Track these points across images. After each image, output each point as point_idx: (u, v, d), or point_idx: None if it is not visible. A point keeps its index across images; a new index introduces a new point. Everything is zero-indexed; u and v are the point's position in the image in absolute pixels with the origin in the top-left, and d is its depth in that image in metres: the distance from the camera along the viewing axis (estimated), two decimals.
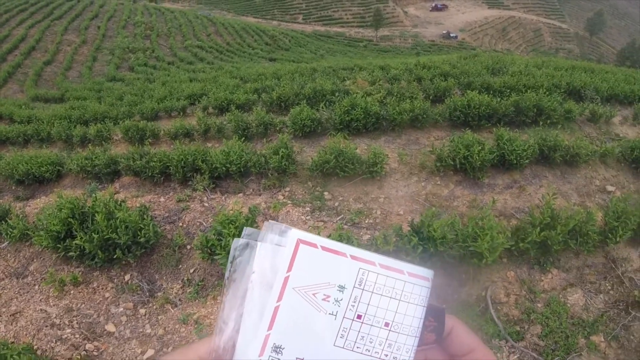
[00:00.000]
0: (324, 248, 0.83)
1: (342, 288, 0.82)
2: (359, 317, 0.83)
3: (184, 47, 55.63)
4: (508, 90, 11.86)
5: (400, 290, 0.84)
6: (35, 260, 7.10)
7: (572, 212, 6.09)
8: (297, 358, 0.80)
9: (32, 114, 20.61)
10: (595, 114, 11.04)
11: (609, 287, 5.91)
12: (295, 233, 0.82)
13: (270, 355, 0.79)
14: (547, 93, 10.97)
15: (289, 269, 0.80)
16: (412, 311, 0.85)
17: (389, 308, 0.84)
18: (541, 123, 9.93)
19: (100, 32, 56.20)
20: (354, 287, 0.83)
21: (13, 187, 11.54)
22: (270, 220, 0.86)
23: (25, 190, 11.07)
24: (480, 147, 7.81)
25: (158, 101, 17.07)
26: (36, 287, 6.52)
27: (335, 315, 0.81)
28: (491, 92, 11.78)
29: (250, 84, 17.74)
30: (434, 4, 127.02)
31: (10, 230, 7.26)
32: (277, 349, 0.79)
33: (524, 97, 10.37)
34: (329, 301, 0.81)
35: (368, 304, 0.82)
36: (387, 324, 0.84)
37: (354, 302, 0.82)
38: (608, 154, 9.10)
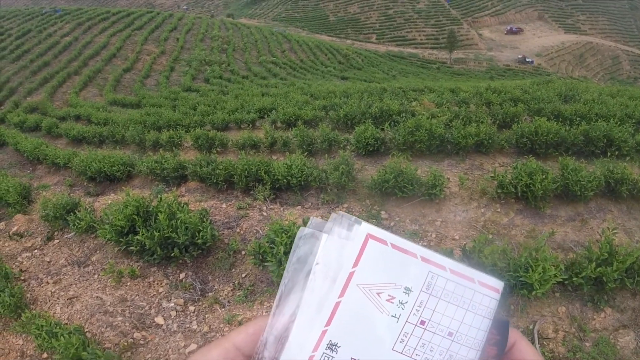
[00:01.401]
0: (394, 246, 0.82)
1: (408, 290, 0.82)
2: (423, 322, 0.82)
3: (258, 62, 56.48)
4: (578, 119, 11.47)
5: (469, 300, 0.83)
6: (98, 251, 7.43)
7: (631, 249, 5.90)
8: (352, 358, 0.81)
9: (108, 116, 21.51)
10: None
11: None
12: (366, 227, 0.82)
13: (324, 352, 0.79)
14: (619, 123, 10.48)
15: (355, 264, 0.81)
16: (479, 323, 0.84)
17: (455, 317, 0.83)
18: (610, 154, 9.48)
19: (178, 44, 57.92)
20: (421, 290, 0.82)
21: (85, 183, 12.02)
22: (339, 211, 0.87)
23: (96, 187, 11.54)
24: (543, 176, 7.58)
25: (229, 113, 17.48)
26: (95, 276, 6.82)
27: (398, 318, 0.81)
28: (561, 119, 11.45)
29: (319, 101, 17.97)
30: (509, 27, 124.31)
31: (78, 222, 7.66)
32: (333, 346, 0.80)
33: (593, 127, 9.98)
34: (393, 302, 0.81)
35: (434, 310, 0.82)
36: (450, 334, 0.83)
37: (419, 306, 0.82)
38: None
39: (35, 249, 7.93)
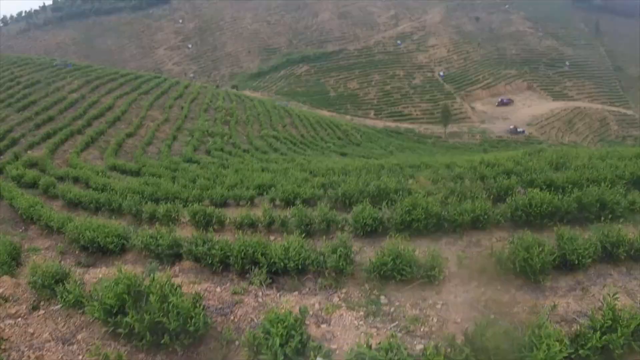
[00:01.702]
0: None
1: None
2: None
3: (260, 135, 57.35)
4: (571, 186, 11.56)
5: None
6: (84, 329, 7.16)
7: (635, 311, 5.78)
8: None
9: (107, 182, 21.65)
10: None
11: None
12: None
13: None
14: (610, 186, 10.67)
15: None
16: None
17: None
18: (603, 218, 9.49)
19: (183, 112, 59.06)
20: None
21: (77, 252, 11.91)
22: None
23: (87, 258, 11.40)
24: (540, 249, 7.60)
25: (228, 188, 17.64)
26: (80, 357, 6.51)
27: None
28: (553, 188, 11.53)
29: (318, 178, 18.15)
30: (500, 99, 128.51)
31: (66, 294, 7.42)
32: None
33: (586, 193, 10.17)
34: None
35: None
36: None
37: None
38: None
39: (19, 317, 7.60)
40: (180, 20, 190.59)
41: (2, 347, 6.68)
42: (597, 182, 11.43)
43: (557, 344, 5.11)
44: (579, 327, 6.08)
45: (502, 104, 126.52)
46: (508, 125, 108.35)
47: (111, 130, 46.43)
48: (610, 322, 5.48)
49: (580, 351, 5.40)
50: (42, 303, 8.05)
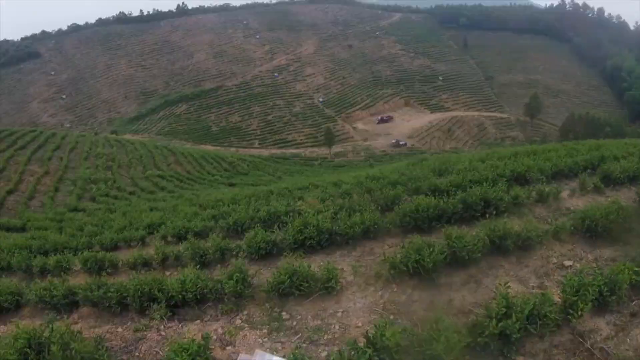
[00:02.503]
0: None
1: None
2: None
3: (144, 176, 56.16)
4: (455, 189, 12.15)
5: None
6: None
7: (527, 297, 6.21)
8: None
9: None
10: (542, 194, 11.42)
11: None
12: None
13: None
14: (492, 184, 11.35)
15: None
16: None
17: None
18: (487, 215, 10.17)
19: (62, 163, 56.53)
20: None
21: None
22: (259, 351, 1.02)
23: None
24: (431, 249, 7.99)
25: (117, 231, 17.15)
26: None
27: None
28: (438, 193, 12.09)
29: (209, 211, 18.03)
30: (379, 117, 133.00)
31: None
32: None
33: (469, 193, 10.75)
34: None
35: None
36: None
37: None
38: (561, 230, 9.33)
39: None
40: (53, 72, 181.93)
41: None
42: (479, 182, 12.09)
43: (455, 335, 5.47)
44: (475, 318, 6.49)
45: (382, 121, 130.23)
46: (390, 140, 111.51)
47: None
48: (505, 309, 5.91)
49: (479, 339, 5.80)
50: None
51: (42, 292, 9.94)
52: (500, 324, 5.73)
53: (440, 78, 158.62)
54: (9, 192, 42.94)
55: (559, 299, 6.57)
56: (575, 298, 6.23)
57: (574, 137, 71.52)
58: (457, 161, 18.71)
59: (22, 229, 28.37)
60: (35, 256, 14.83)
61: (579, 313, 6.14)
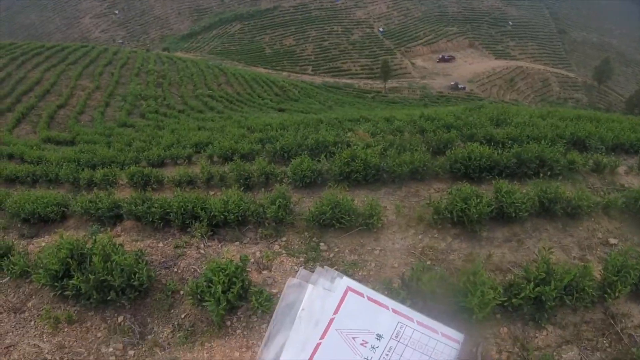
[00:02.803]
0: (369, 298, 0.90)
1: (379, 337, 0.89)
2: None
3: (194, 95, 56.22)
4: (511, 142, 11.77)
5: (432, 348, 0.91)
6: (34, 296, 7.17)
7: (569, 266, 6.03)
8: None
9: (42, 155, 20.90)
10: (599, 164, 10.83)
11: (607, 345, 5.69)
12: (346, 281, 0.90)
13: None
14: (550, 144, 10.81)
15: (336, 311, 0.88)
16: None
17: None
18: (542, 175, 9.74)
19: (113, 78, 57.05)
20: (390, 337, 0.89)
21: (19, 225, 11.64)
22: (325, 266, 0.93)
23: (30, 229, 11.17)
24: (478, 200, 7.71)
25: (165, 148, 17.28)
26: (32, 322, 6.57)
27: None
28: (493, 143, 11.73)
29: (256, 134, 18.00)
30: (441, 56, 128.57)
31: (12, 266, 7.38)
32: None
33: (525, 149, 10.26)
34: (365, 346, 0.88)
35: (401, 356, 0.89)
36: None
37: (389, 351, 0.89)
38: (611, 206, 8.87)
39: None
40: None
41: None
42: (537, 139, 11.61)
43: (491, 291, 5.31)
44: (513, 277, 6.31)
45: (443, 60, 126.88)
46: (449, 81, 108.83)
47: (41, 103, 44.81)
48: (544, 274, 5.69)
49: (513, 300, 5.64)
50: None
51: (88, 204, 10.14)
52: (537, 289, 5.55)
53: (510, 23, 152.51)
54: (60, 107, 43.85)
55: (599, 276, 6.35)
56: (615, 278, 5.94)
57: (639, 112, 68.68)
58: (516, 114, 17.91)
59: (72, 143, 29.00)
60: (83, 169, 15.14)
61: (616, 294, 5.86)
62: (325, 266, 0.80)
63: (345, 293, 0.80)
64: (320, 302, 0.80)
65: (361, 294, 0.79)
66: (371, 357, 0.80)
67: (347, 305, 0.80)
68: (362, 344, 0.80)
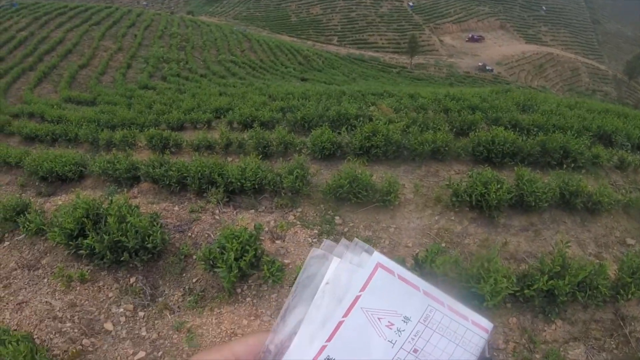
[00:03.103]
0: (400, 277, 0.83)
1: (407, 319, 0.82)
2: (415, 351, 0.83)
3: (217, 60, 55.97)
4: (536, 129, 11.57)
5: (461, 336, 0.84)
6: (48, 254, 7.23)
7: (584, 262, 5.95)
8: None
9: (62, 114, 20.97)
10: (623, 161, 10.61)
11: (614, 346, 5.63)
12: (377, 257, 0.83)
13: None
14: (576, 135, 10.57)
15: (363, 288, 0.81)
16: (466, 358, 0.85)
17: (446, 350, 0.84)
18: (566, 166, 9.59)
19: (136, 40, 56.97)
20: (419, 321, 0.83)
21: (37, 183, 11.74)
22: (355, 238, 0.87)
23: (47, 187, 11.25)
24: (498, 186, 7.58)
25: (185, 112, 17.29)
26: (45, 280, 6.64)
27: (394, 344, 0.82)
28: (518, 129, 11.57)
29: (277, 102, 17.86)
30: (470, 35, 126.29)
31: (28, 224, 7.44)
32: None
33: (550, 138, 10.07)
34: (391, 329, 0.82)
35: (427, 341, 0.83)
36: None
37: (415, 336, 0.82)
38: (632, 205, 8.71)
39: None
40: None
41: None
42: (563, 129, 11.44)
43: (504, 280, 5.25)
44: (527, 268, 6.24)
45: (472, 40, 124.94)
46: (477, 62, 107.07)
47: (63, 63, 44.85)
48: (559, 268, 5.60)
49: (526, 291, 5.56)
50: (6, 235, 8.04)
51: (106, 164, 10.18)
52: (550, 282, 5.47)
53: (544, 8, 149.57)
54: (82, 67, 43.89)
55: (613, 275, 6.25)
56: (629, 280, 5.82)
57: None
58: (543, 101, 17.57)
59: (92, 103, 29.05)
60: (102, 130, 15.20)
61: (628, 296, 5.76)
62: (355, 238, 0.75)
63: (375, 269, 0.75)
64: (346, 276, 0.75)
65: (392, 272, 0.74)
66: (395, 341, 0.75)
67: (376, 283, 0.75)
68: (387, 326, 0.75)
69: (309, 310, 0.82)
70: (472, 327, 0.86)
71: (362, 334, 0.82)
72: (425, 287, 0.85)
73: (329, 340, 0.80)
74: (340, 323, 0.81)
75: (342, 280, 0.83)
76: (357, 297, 0.82)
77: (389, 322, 0.82)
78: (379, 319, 0.82)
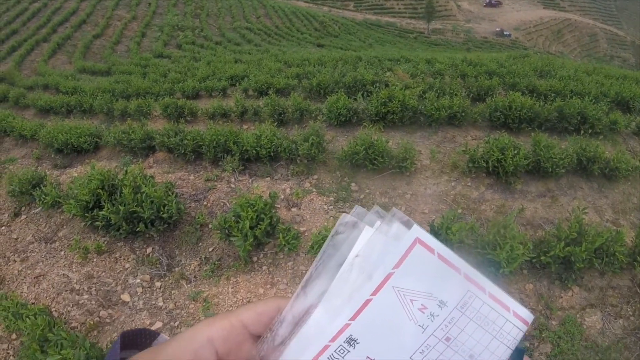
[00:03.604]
0: (440, 256, 0.78)
1: (442, 304, 0.77)
2: (448, 339, 0.78)
3: (232, 28, 55.65)
4: (553, 95, 11.40)
5: (500, 327, 0.79)
6: (64, 226, 7.27)
7: (601, 229, 5.87)
8: (367, 357, 0.76)
9: (77, 85, 21.02)
10: None
11: (630, 313, 5.59)
12: (416, 231, 0.77)
13: (341, 345, 0.75)
14: (594, 101, 10.40)
15: (397, 265, 0.75)
16: (501, 351, 0.80)
17: (481, 341, 0.79)
18: (583, 132, 9.45)
19: (150, 8, 56.69)
20: (455, 307, 0.78)
21: (52, 156, 11.79)
22: (394, 208, 0.81)
23: (63, 159, 11.30)
24: (515, 152, 7.49)
25: (200, 80, 17.20)
26: (62, 252, 6.69)
27: (425, 329, 0.76)
28: (535, 95, 11.39)
29: (293, 69, 17.68)
30: (488, 0, 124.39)
31: (44, 197, 7.48)
32: (352, 341, 0.75)
33: (568, 103, 9.91)
34: (424, 313, 0.76)
35: (462, 330, 0.77)
36: (471, 356, 0.79)
37: (449, 322, 0.77)
38: None
39: (3, 226, 7.78)
40: None
41: None
42: (580, 95, 11.24)
43: (521, 246, 5.19)
44: (543, 234, 6.18)
45: (489, 5, 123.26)
46: (494, 27, 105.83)
47: (77, 34, 44.78)
48: (575, 235, 5.53)
49: (542, 257, 5.49)
50: (23, 209, 8.12)
51: (121, 135, 10.18)
52: (567, 249, 5.41)
53: None
54: (96, 37, 43.76)
55: (630, 242, 6.15)
56: None
57: None
58: (561, 67, 17.29)
59: (107, 73, 29.09)
60: (117, 100, 15.19)
61: None
62: (393, 208, 0.70)
63: (413, 245, 0.70)
64: (379, 250, 0.69)
65: (431, 250, 0.68)
66: (427, 326, 0.70)
67: (412, 260, 0.70)
68: (420, 309, 0.70)
69: (334, 283, 0.76)
70: (513, 319, 0.80)
71: (391, 315, 0.76)
72: (467, 269, 0.78)
73: (352, 318, 0.75)
74: (367, 301, 0.75)
75: (374, 253, 0.77)
76: (390, 275, 0.76)
77: (422, 305, 0.76)
78: (411, 300, 0.76)
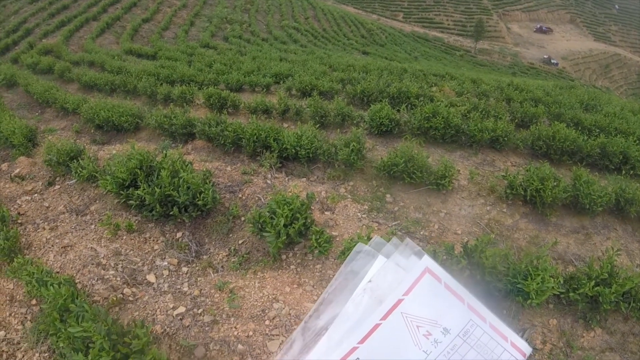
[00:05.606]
0: (446, 286, 0.79)
1: (446, 331, 0.78)
2: None
3: (280, 26, 55.99)
4: (597, 130, 11.18)
5: (497, 356, 0.80)
6: (97, 201, 7.35)
7: (632, 273, 5.76)
8: None
9: (122, 65, 21.36)
10: None
11: None
12: (426, 261, 0.78)
13: None
14: (637, 142, 10.17)
15: (407, 293, 0.76)
16: None
17: None
18: (624, 172, 9.23)
19: None
20: (457, 335, 0.78)
21: (92, 131, 11.96)
22: (407, 238, 0.81)
23: (102, 136, 11.46)
24: (555, 183, 7.38)
25: (245, 74, 17.31)
26: (92, 226, 6.75)
27: (428, 355, 0.77)
28: (580, 128, 11.23)
29: (338, 73, 17.68)
30: (538, 26, 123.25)
31: (80, 169, 7.58)
32: None
33: (611, 141, 9.71)
34: (428, 339, 0.77)
35: (463, 357, 0.78)
36: None
37: (451, 349, 0.78)
38: None
39: (35, 193, 7.89)
40: None
41: (19, 220, 6.88)
42: (624, 134, 11.06)
43: (552, 279, 5.10)
44: (574, 270, 6.06)
45: (540, 30, 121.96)
46: (542, 54, 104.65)
47: (127, 15, 45.58)
48: (606, 275, 5.40)
49: (571, 294, 5.37)
50: (57, 179, 8.26)
51: (163, 118, 10.29)
52: (596, 288, 5.26)
53: (617, 7, 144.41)
54: (145, 21, 44.44)
55: None
56: None
57: None
58: (607, 102, 17.00)
59: (153, 57, 29.49)
60: (161, 84, 15.37)
61: None
62: (406, 238, 0.70)
63: (423, 274, 0.71)
64: (391, 278, 0.70)
65: (439, 279, 0.69)
66: (431, 352, 0.70)
67: (421, 288, 0.71)
68: (425, 335, 0.71)
69: (346, 306, 0.76)
70: (510, 349, 0.80)
71: (397, 340, 0.76)
72: (470, 300, 0.78)
73: (361, 342, 0.74)
74: (376, 326, 0.75)
75: (386, 281, 0.77)
76: (400, 301, 0.76)
77: (427, 331, 0.76)
78: (417, 326, 0.76)
